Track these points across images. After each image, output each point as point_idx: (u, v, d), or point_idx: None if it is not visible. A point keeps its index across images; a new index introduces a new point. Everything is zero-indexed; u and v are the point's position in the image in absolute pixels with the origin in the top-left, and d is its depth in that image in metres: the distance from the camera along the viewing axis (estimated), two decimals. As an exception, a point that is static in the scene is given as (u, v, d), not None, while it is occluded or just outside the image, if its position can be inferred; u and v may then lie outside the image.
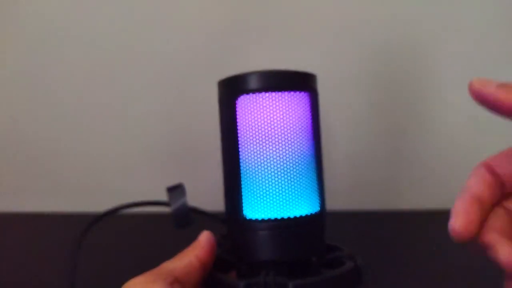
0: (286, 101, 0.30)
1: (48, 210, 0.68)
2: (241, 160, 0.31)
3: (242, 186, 0.31)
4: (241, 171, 0.31)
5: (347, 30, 0.64)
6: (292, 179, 0.30)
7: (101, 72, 0.67)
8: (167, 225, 0.62)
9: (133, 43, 0.65)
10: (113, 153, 0.69)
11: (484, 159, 0.28)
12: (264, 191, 0.30)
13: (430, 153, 0.66)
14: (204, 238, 0.31)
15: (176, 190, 0.37)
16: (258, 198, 0.30)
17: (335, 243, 0.36)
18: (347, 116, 0.66)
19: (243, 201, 0.31)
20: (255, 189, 0.30)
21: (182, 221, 0.36)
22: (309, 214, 0.31)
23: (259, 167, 0.30)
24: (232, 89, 0.31)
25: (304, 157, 0.31)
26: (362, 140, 0.66)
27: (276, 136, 0.30)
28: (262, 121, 0.30)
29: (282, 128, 0.30)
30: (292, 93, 0.31)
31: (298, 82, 0.31)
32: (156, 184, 0.69)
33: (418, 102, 0.66)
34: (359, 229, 0.59)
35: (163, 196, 0.72)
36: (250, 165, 0.31)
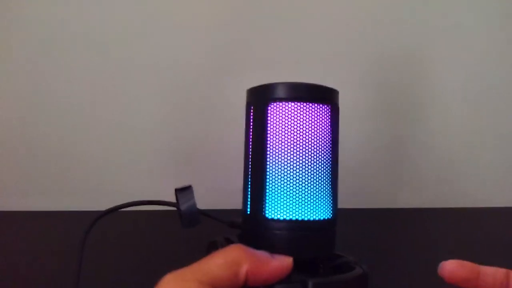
0: (313, 112, 0.33)
1: (52, 209, 0.67)
2: (267, 163, 0.32)
3: (267, 187, 0.32)
4: (267, 173, 0.32)
5: (351, 38, 0.67)
6: (313, 184, 0.32)
7: (106, 74, 0.67)
8: (169, 224, 0.62)
9: (138, 45, 0.66)
10: (116, 153, 0.69)
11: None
12: (288, 193, 0.32)
13: (430, 156, 0.68)
14: (278, 263, 0.30)
15: (185, 191, 0.37)
16: (281, 200, 0.32)
17: (338, 251, 0.38)
18: (349, 118, 0.68)
19: (266, 201, 0.32)
20: (278, 191, 0.32)
21: (190, 221, 0.37)
22: (324, 219, 0.33)
23: (284, 171, 0.32)
24: (264, 96, 0.33)
25: (324, 166, 0.33)
26: (364, 141, 0.68)
27: (301, 143, 0.33)
28: (290, 128, 0.33)
29: (307, 136, 0.33)
30: (318, 105, 0.33)
31: (324, 95, 0.34)
32: (159, 185, 0.70)
33: (420, 105, 0.69)
34: (359, 228, 0.61)
35: (165, 197, 0.71)
36: (275, 169, 0.32)
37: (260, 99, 0.34)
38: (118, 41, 0.65)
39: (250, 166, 0.34)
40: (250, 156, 0.34)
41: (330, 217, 0.34)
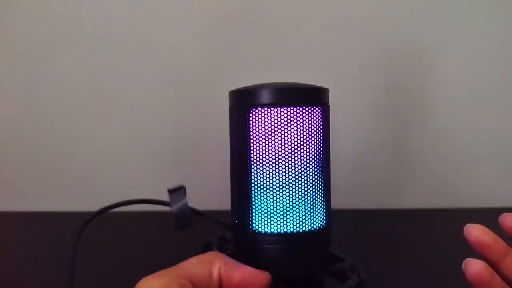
0: (299, 117, 0.30)
1: (52, 209, 0.68)
2: (252, 173, 0.30)
3: (252, 199, 0.30)
4: (252, 184, 0.30)
5: (351, 34, 0.65)
6: (301, 194, 0.30)
7: (104, 74, 0.66)
8: (164, 224, 0.63)
9: (137, 44, 0.65)
10: (115, 154, 0.69)
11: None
12: (274, 205, 0.30)
13: (431, 155, 0.67)
14: (250, 271, 0.29)
15: (177, 191, 0.36)
16: (267, 212, 0.30)
17: (336, 251, 0.36)
18: (351, 118, 0.67)
19: (253, 214, 0.30)
20: (264, 203, 0.30)
21: (182, 222, 0.36)
22: (316, 228, 0.31)
23: (269, 181, 0.30)
24: (245, 102, 0.30)
25: (314, 173, 0.31)
26: (365, 141, 0.67)
27: (288, 151, 0.30)
28: (275, 136, 0.30)
29: (294, 143, 0.30)
30: (305, 108, 0.30)
31: (311, 97, 0.31)
32: (157, 184, 0.69)
33: (420, 105, 0.67)
34: (360, 227, 0.60)
35: (162, 196, 0.72)
36: (260, 179, 0.30)
37: (241, 104, 0.31)
38: (117, 41, 0.65)
39: (235, 175, 0.32)
40: (234, 165, 0.32)
41: (322, 226, 0.31)
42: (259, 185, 0.30)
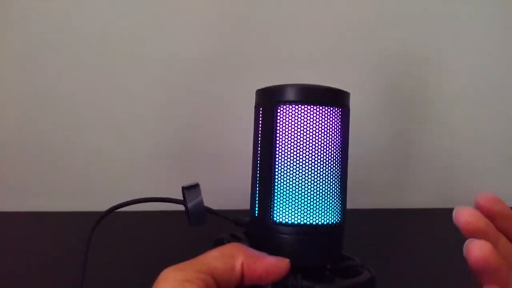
0: (323, 115, 0.32)
1: (52, 209, 0.67)
2: (276, 166, 0.32)
3: (275, 191, 0.32)
4: (275, 177, 0.32)
5: (354, 36, 0.66)
6: (322, 189, 0.32)
7: (106, 73, 0.66)
8: (173, 223, 0.62)
9: (139, 44, 0.65)
10: (118, 154, 0.69)
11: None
12: (296, 197, 0.32)
13: (434, 155, 0.68)
14: (272, 260, 0.30)
15: (193, 188, 0.37)
16: (289, 204, 0.32)
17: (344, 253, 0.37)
18: (352, 118, 0.68)
19: (275, 205, 0.32)
20: (286, 195, 0.32)
21: (197, 219, 0.37)
22: (333, 223, 0.32)
23: (292, 174, 0.32)
24: (273, 98, 0.32)
25: (333, 170, 0.33)
26: (366, 141, 0.68)
27: (311, 146, 0.32)
28: (299, 132, 0.32)
29: (317, 139, 0.32)
30: (329, 108, 0.32)
31: (335, 98, 0.33)
32: (159, 184, 0.70)
33: (423, 106, 0.69)
34: (362, 228, 0.60)
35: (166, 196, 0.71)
36: (283, 172, 0.32)
37: (269, 101, 0.33)
38: (118, 39, 0.64)
39: (258, 168, 0.33)
40: (258, 158, 0.33)
41: (338, 222, 0.33)
42: (282, 178, 0.32)
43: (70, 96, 0.66)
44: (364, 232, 0.58)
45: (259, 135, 0.33)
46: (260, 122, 0.33)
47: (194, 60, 0.66)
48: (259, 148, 0.33)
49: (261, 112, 0.33)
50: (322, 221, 0.32)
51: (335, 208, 0.33)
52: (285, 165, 0.32)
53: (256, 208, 0.34)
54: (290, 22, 0.66)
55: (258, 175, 0.33)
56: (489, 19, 0.67)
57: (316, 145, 0.32)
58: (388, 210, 0.67)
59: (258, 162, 0.33)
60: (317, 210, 0.32)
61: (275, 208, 0.32)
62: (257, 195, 0.33)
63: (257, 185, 0.33)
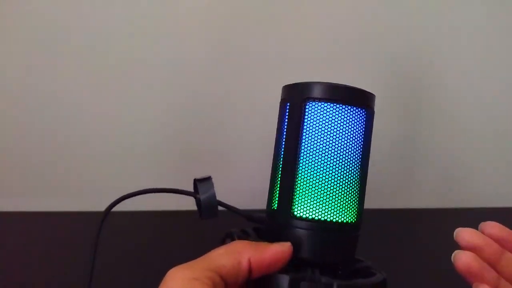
0: (349, 114, 0.32)
1: (52, 209, 0.65)
2: (300, 161, 0.32)
3: (296, 185, 0.32)
4: (298, 171, 0.32)
5: (362, 38, 0.66)
6: (343, 186, 0.33)
7: (106, 73, 0.65)
8: (174, 223, 0.62)
9: (138, 44, 0.64)
10: (119, 154, 0.67)
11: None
12: (317, 193, 0.32)
13: (439, 155, 0.68)
14: (277, 247, 0.30)
15: (205, 181, 0.37)
16: (310, 199, 0.32)
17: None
18: None
19: (295, 199, 0.32)
20: (308, 190, 0.32)
21: (209, 212, 0.36)
22: (350, 222, 0.33)
23: (315, 170, 0.32)
24: (302, 94, 0.33)
25: (355, 169, 0.33)
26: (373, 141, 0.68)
27: (335, 144, 0.33)
28: (325, 129, 0.32)
29: (342, 138, 0.33)
30: (355, 108, 0.32)
31: (361, 99, 0.33)
32: (160, 185, 0.69)
33: (428, 106, 0.69)
34: (369, 227, 0.61)
35: (164, 197, 0.70)
36: (306, 167, 0.33)
37: (297, 96, 0.33)
38: (119, 38, 0.63)
39: (281, 162, 0.34)
40: (282, 152, 0.34)
41: (355, 221, 0.33)
42: (305, 173, 0.32)
43: (70, 96, 0.66)
44: (370, 233, 0.59)
45: (284, 130, 0.33)
46: (286, 117, 0.33)
47: (196, 59, 0.65)
48: (283, 143, 0.33)
49: (288, 107, 0.33)
50: (341, 219, 0.32)
51: (353, 207, 0.33)
52: (309, 160, 0.32)
53: (275, 202, 0.34)
54: (293, 22, 0.65)
55: (280, 168, 0.34)
56: (501, 19, 0.68)
57: (341, 143, 0.33)
58: (390, 210, 0.67)
59: (282, 156, 0.33)
60: (337, 208, 0.32)
61: (296, 202, 0.32)
62: (277, 188, 0.34)
63: (279, 178, 0.34)
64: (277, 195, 0.33)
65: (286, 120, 0.34)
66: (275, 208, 0.34)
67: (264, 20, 0.65)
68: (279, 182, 0.34)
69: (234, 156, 0.66)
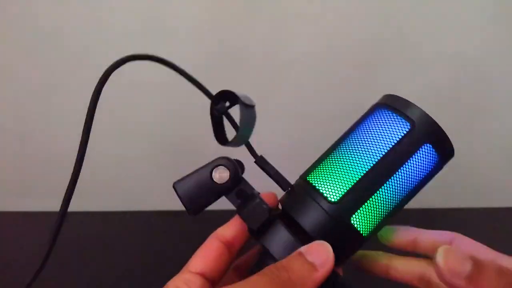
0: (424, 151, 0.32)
1: (52, 209, 0.65)
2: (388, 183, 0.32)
3: (370, 199, 0.32)
4: (381, 190, 0.32)
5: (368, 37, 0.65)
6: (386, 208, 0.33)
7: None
8: (174, 223, 0.61)
9: (140, 44, 0.64)
10: (118, 154, 0.68)
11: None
12: (383, 214, 0.32)
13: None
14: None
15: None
16: (372, 219, 0.32)
17: None
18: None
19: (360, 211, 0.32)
20: (377, 209, 0.32)
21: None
22: (364, 235, 0.32)
23: (392, 197, 0.33)
24: (388, 103, 0.34)
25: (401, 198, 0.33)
26: None
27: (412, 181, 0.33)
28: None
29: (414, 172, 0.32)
30: (429, 145, 0.32)
31: (444, 145, 0.33)
32: (159, 185, 0.68)
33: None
34: None
35: (164, 197, 0.70)
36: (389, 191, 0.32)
37: (383, 103, 0.34)
38: (118, 39, 0.63)
39: (369, 171, 0.31)
40: (373, 166, 0.31)
41: (366, 236, 0.32)
42: (385, 195, 0.32)
43: (69, 96, 0.66)
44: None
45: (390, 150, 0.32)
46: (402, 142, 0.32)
47: (195, 60, 0.65)
48: (380, 154, 0.32)
49: (410, 131, 0.32)
50: (360, 228, 0.31)
51: (376, 224, 0.32)
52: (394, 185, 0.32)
53: (338, 195, 0.31)
54: (292, 21, 0.64)
55: (362, 175, 0.31)
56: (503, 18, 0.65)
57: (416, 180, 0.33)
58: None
59: (374, 169, 0.31)
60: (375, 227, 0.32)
61: (359, 216, 0.31)
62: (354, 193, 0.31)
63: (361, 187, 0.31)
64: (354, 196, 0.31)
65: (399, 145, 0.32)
66: (335, 201, 0.31)
67: (264, 20, 0.64)
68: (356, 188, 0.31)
69: (234, 156, 0.66)
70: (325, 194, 0.31)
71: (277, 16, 0.63)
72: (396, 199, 0.32)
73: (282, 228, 0.30)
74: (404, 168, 0.32)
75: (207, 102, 0.66)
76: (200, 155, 0.69)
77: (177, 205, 0.64)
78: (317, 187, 0.32)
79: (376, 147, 0.32)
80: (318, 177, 0.32)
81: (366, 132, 0.33)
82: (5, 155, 0.69)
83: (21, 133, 0.68)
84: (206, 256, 0.31)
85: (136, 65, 0.66)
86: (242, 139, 0.30)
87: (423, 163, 0.32)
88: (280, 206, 0.34)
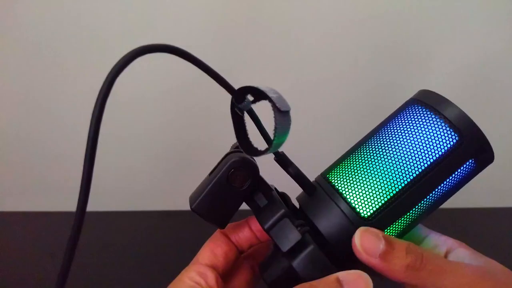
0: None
1: (52, 209, 0.67)
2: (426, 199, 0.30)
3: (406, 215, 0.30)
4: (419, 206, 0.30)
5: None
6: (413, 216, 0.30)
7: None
8: (173, 223, 0.61)
9: (139, 44, 0.63)
10: (118, 154, 0.68)
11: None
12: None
13: None
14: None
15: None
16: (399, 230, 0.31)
17: None
18: (358, 116, 0.67)
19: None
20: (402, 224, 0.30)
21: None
22: None
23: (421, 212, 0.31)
24: (426, 100, 0.30)
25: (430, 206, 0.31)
26: None
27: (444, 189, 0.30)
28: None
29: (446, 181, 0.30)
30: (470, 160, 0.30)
31: (479, 152, 0.30)
32: (159, 185, 0.70)
33: None
34: None
35: (164, 197, 0.70)
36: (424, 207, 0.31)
37: (418, 100, 0.30)
38: (117, 40, 0.62)
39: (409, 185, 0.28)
40: (413, 180, 0.28)
41: None
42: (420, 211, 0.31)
43: (69, 97, 0.65)
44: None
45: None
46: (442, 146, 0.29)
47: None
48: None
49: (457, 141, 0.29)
50: None
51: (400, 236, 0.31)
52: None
53: (371, 210, 0.28)
54: (292, 21, 0.64)
55: (402, 190, 0.28)
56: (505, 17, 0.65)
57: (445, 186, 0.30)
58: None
59: (416, 183, 0.28)
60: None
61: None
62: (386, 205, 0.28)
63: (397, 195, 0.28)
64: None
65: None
66: (367, 217, 0.28)
67: (264, 20, 0.64)
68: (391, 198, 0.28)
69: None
70: (356, 207, 0.28)
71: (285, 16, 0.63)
72: (427, 213, 0.30)
73: (312, 246, 0.27)
74: (444, 184, 0.29)
75: (209, 103, 0.66)
76: (200, 155, 0.70)
77: (177, 205, 0.65)
78: (346, 196, 0.29)
79: (418, 158, 0.28)
80: (347, 184, 0.29)
81: (406, 136, 0.29)
82: (5, 155, 0.69)
83: (21, 133, 0.68)
84: (214, 249, 0.31)
85: (141, 66, 0.66)
86: (277, 147, 0.26)
87: (463, 178, 0.30)
88: (297, 205, 0.31)
